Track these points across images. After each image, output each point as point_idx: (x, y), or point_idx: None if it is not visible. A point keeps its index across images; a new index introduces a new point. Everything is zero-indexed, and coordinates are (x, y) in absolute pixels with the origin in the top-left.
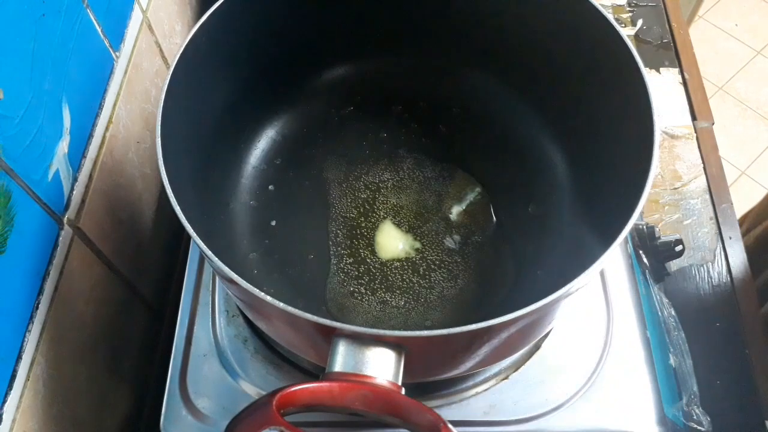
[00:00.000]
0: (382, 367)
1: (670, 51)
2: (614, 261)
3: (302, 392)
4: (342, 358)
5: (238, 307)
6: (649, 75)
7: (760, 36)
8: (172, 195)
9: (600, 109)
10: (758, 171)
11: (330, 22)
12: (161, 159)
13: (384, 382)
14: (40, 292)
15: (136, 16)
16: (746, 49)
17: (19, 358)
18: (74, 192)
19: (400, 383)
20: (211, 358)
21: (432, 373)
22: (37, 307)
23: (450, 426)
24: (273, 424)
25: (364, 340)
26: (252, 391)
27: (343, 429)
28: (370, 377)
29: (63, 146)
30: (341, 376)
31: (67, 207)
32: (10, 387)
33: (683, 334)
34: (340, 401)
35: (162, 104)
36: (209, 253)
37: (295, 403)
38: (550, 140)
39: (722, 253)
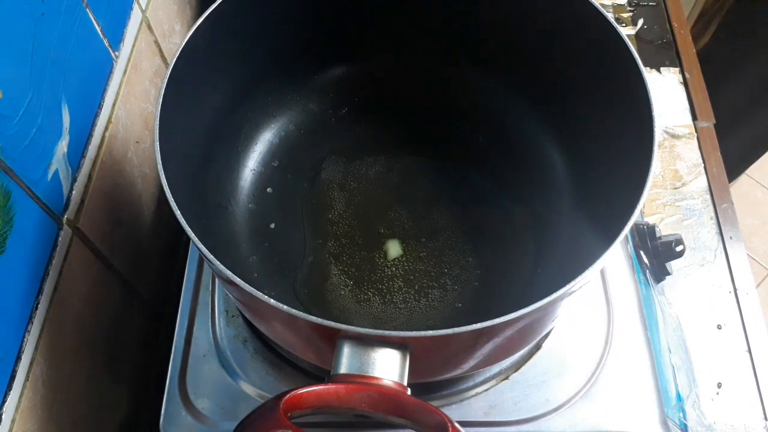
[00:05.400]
0: (387, 367)
1: (670, 50)
2: (615, 261)
3: (309, 395)
4: (347, 359)
5: (237, 308)
6: (649, 74)
7: None
8: (171, 197)
9: (600, 108)
10: (758, 171)
11: (327, 22)
12: (159, 160)
13: (390, 382)
14: (40, 292)
15: (135, 16)
16: None
17: (18, 358)
18: (73, 192)
19: (405, 384)
20: (211, 359)
21: (435, 373)
22: (36, 308)
23: (458, 426)
24: (281, 428)
25: (369, 342)
26: (252, 391)
27: (349, 430)
28: (376, 378)
29: (62, 146)
30: (347, 378)
31: (66, 207)
32: (9, 387)
33: (684, 334)
34: (347, 403)
35: (160, 104)
36: (211, 256)
37: (302, 405)
38: (550, 140)
39: (723, 253)
